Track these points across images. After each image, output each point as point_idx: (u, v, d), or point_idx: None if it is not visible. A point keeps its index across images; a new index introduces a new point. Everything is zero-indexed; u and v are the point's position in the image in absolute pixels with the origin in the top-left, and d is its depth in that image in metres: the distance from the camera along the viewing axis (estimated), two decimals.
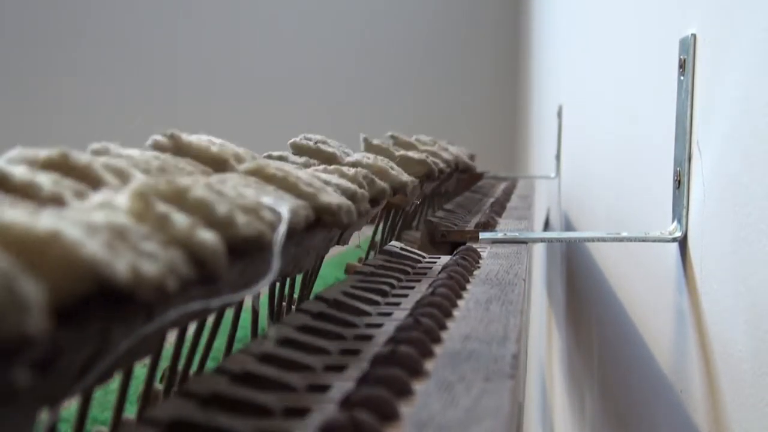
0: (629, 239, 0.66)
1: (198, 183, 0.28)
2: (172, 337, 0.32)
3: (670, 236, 0.61)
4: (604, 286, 0.97)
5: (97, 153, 0.31)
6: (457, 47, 3.26)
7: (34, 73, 3.35)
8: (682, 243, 0.61)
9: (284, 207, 0.32)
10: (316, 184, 0.39)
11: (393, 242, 0.64)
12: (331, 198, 0.38)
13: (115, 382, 0.30)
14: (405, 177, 0.57)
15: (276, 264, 0.29)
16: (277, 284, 0.43)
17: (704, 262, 0.56)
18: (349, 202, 0.41)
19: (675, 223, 0.61)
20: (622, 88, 0.93)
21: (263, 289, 0.40)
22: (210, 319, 0.36)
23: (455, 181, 0.96)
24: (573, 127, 1.49)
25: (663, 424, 0.67)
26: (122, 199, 0.25)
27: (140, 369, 0.40)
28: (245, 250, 0.28)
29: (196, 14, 3.34)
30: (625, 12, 0.94)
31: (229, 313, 0.39)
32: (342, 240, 0.50)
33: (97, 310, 0.21)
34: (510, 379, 0.31)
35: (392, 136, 0.78)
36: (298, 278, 0.48)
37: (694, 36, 0.59)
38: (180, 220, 0.25)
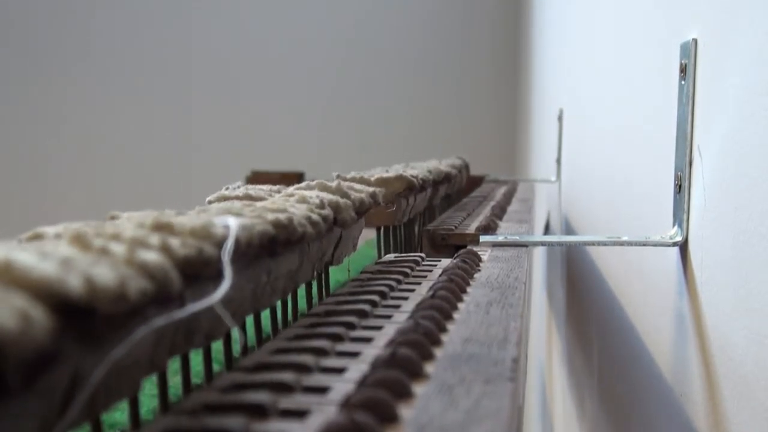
0: (630, 243, 0.66)
1: (131, 224, 0.29)
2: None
3: (671, 240, 0.61)
4: (604, 289, 0.97)
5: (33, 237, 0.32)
6: (457, 50, 3.27)
7: (37, 74, 3.35)
8: (683, 247, 0.61)
9: (232, 220, 0.32)
10: (266, 208, 0.39)
11: (387, 255, 0.65)
12: (278, 214, 0.38)
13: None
14: (372, 188, 0.57)
15: (228, 275, 0.29)
16: (279, 303, 0.43)
17: (705, 266, 0.56)
18: (301, 214, 0.41)
19: (675, 227, 0.61)
20: (623, 92, 0.93)
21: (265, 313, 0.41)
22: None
23: (452, 187, 0.96)
24: (574, 130, 1.49)
25: (663, 427, 0.67)
26: (62, 243, 0.26)
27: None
28: (193, 271, 0.29)
29: (200, 14, 3.34)
30: (626, 16, 0.94)
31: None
32: (335, 260, 0.50)
33: (60, 331, 0.21)
34: (510, 382, 0.31)
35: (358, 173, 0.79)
36: (303, 294, 0.48)
37: (695, 41, 0.59)
38: (118, 248, 0.26)
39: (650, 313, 0.73)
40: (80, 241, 0.26)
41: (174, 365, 0.36)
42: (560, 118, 1.66)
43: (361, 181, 0.62)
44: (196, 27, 3.34)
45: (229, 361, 0.37)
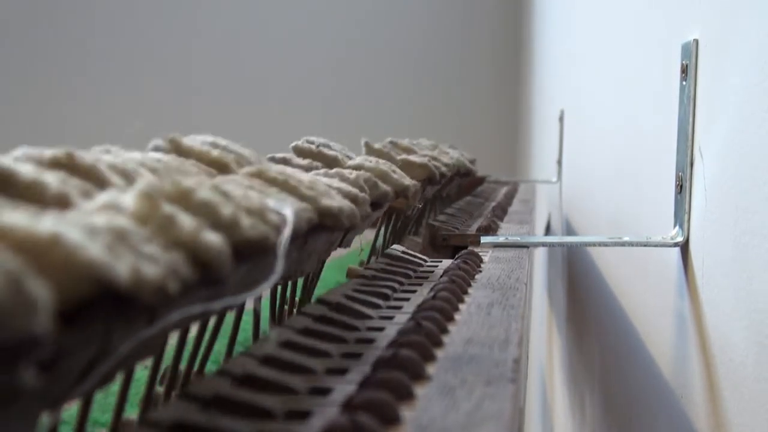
0: (631, 244, 0.66)
1: (203, 184, 0.29)
2: (173, 339, 0.33)
3: (672, 241, 0.61)
4: (605, 290, 0.97)
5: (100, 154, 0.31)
6: (458, 51, 3.27)
7: (41, 73, 3.36)
8: (684, 248, 0.61)
9: (288, 209, 0.32)
10: (318, 188, 0.39)
11: (395, 246, 0.64)
12: (333, 201, 0.38)
13: (115, 385, 0.30)
14: (407, 180, 0.57)
15: (280, 266, 0.29)
16: (279, 287, 0.43)
17: (705, 267, 0.56)
18: (351, 205, 0.41)
19: (677, 228, 0.61)
20: (624, 93, 0.93)
21: (265, 291, 0.41)
22: (211, 322, 0.36)
23: (456, 185, 0.96)
24: (575, 131, 1.49)
25: (663, 429, 0.67)
26: (128, 199, 0.25)
27: (141, 371, 0.40)
28: (249, 253, 0.28)
29: (200, 15, 3.35)
30: (628, 16, 0.94)
31: (230, 316, 0.39)
32: (344, 243, 0.50)
33: (98, 312, 0.21)
34: (511, 384, 0.31)
35: (391, 142, 0.78)
36: (300, 281, 0.48)
37: (696, 41, 0.59)
38: (186, 221, 0.25)
39: (651, 314, 0.73)
40: (148, 202, 0.25)
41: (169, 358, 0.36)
42: (561, 119, 1.66)
43: (389, 157, 0.61)
44: (197, 28, 3.35)
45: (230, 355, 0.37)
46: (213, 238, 0.26)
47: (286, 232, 0.30)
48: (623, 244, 0.67)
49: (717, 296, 0.53)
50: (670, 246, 0.62)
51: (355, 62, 3.29)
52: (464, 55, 3.26)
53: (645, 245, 0.64)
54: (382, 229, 0.67)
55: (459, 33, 3.26)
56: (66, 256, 0.20)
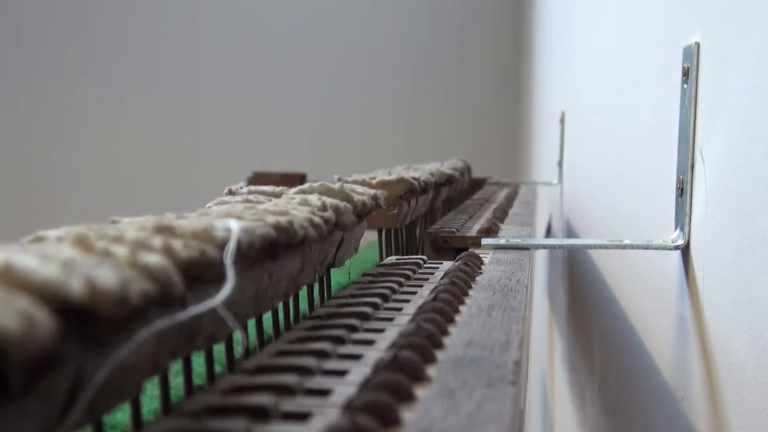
0: (631, 247, 0.66)
1: (132, 227, 0.29)
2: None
3: (673, 244, 0.61)
4: (605, 293, 0.97)
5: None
6: (458, 51, 3.27)
7: (41, 74, 3.36)
8: (685, 251, 0.61)
9: (233, 222, 0.32)
10: (262, 210, 0.39)
11: (389, 257, 0.64)
12: (279, 217, 0.39)
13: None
14: (372, 191, 0.57)
15: (231, 275, 0.29)
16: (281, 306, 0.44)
17: (706, 271, 0.56)
18: (303, 216, 0.41)
19: (677, 231, 0.61)
20: (625, 95, 0.93)
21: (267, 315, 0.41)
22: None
23: (445, 196, 0.96)
24: (575, 133, 1.49)
25: (664, 431, 0.67)
26: (65, 245, 0.26)
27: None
28: (196, 272, 0.29)
29: (201, 15, 3.35)
30: (629, 19, 0.94)
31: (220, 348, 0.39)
32: (337, 261, 0.50)
33: (63, 333, 0.21)
34: (512, 386, 0.31)
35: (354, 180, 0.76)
36: (303, 293, 0.48)
37: (697, 44, 0.59)
38: (120, 250, 0.26)
39: (652, 317, 0.73)
40: (83, 243, 0.26)
41: (176, 366, 0.36)
42: (562, 121, 1.66)
43: (363, 183, 0.62)
44: (197, 28, 3.35)
45: (231, 362, 0.37)
46: (151, 257, 0.26)
47: (231, 244, 0.31)
48: (624, 247, 0.67)
49: (718, 300, 0.53)
50: (671, 249, 0.62)
51: (355, 62, 3.29)
52: (464, 55, 3.27)
53: (646, 248, 0.64)
54: (383, 248, 0.68)
55: (459, 33, 3.26)
56: (21, 280, 0.21)
